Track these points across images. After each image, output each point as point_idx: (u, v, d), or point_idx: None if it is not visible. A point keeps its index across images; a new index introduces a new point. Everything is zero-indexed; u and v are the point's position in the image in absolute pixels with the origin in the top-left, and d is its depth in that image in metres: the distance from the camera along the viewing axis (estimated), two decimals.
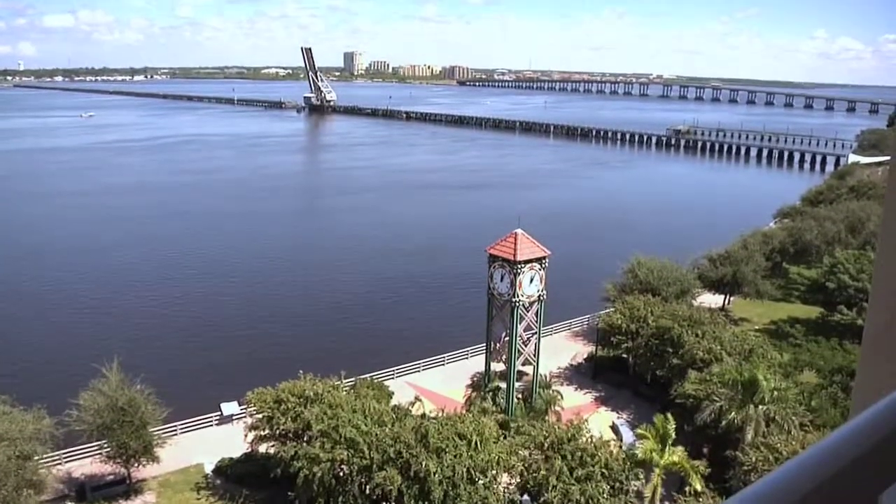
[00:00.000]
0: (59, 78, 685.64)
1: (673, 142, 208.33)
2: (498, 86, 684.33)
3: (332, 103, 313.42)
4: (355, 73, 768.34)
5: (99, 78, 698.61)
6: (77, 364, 43.58)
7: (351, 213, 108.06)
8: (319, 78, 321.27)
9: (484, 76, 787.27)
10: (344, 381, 39.39)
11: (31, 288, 69.57)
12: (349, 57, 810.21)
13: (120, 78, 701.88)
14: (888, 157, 2.40)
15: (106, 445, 35.42)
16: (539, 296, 39.84)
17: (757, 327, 57.75)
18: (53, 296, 66.99)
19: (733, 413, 35.18)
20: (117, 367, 35.47)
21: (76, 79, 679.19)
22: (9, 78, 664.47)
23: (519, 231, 38.89)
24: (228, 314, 63.11)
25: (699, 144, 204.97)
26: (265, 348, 54.48)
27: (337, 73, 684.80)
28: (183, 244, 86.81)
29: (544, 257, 39.29)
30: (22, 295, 67.23)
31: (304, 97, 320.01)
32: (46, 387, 41.22)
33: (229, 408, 42.30)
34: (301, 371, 37.69)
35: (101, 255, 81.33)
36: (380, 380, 44.13)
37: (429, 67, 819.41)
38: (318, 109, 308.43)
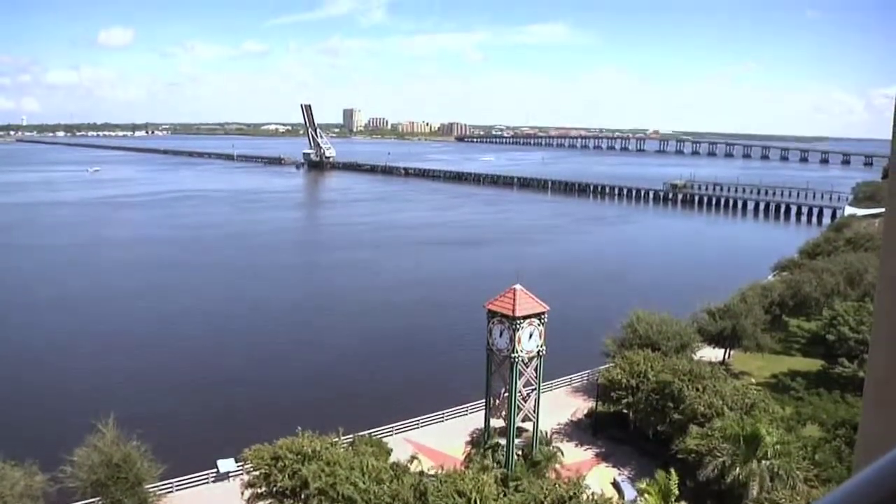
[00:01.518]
0: (62, 133, 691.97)
1: (670, 196, 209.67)
2: (496, 142, 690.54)
3: (331, 159, 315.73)
4: (354, 130, 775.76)
5: (100, 133, 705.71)
6: (72, 418, 43.08)
7: (349, 268, 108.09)
8: (319, 134, 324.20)
9: (482, 132, 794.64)
10: (342, 438, 38.94)
11: (24, 339, 69.32)
12: (348, 114, 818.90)
13: (121, 133, 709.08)
14: (884, 209, 2.41)
15: (100, 503, 34.88)
16: (538, 351, 39.65)
17: (758, 381, 57.33)
18: (47, 348, 66.67)
19: (737, 468, 34.77)
20: (113, 421, 35.11)
21: (78, 134, 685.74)
22: (12, 133, 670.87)
23: (518, 287, 38.87)
24: (225, 369, 62.69)
25: (696, 199, 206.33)
26: (262, 404, 53.98)
27: (336, 130, 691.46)
28: (180, 298, 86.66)
29: (543, 313, 39.21)
30: (14, 346, 66.90)
31: (304, 153, 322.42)
32: (39, 441, 40.69)
33: (226, 465, 41.74)
34: (299, 428, 37.31)
35: (99, 308, 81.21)
36: (378, 436, 43.64)
37: (427, 124, 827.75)
38: (317, 165, 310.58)
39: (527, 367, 39.87)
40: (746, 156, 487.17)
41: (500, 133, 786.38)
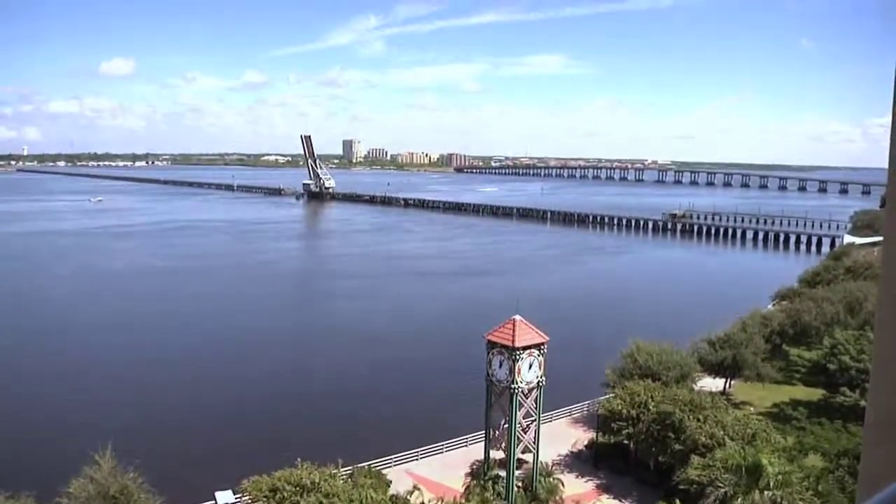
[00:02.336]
0: (62, 163, 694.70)
1: (669, 226, 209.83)
2: (495, 172, 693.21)
3: (330, 190, 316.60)
4: (354, 161, 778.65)
5: (101, 163, 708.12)
6: (68, 449, 42.75)
7: (348, 299, 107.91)
8: (318, 165, 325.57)
9: (481, 163, 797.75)
10: (341, 470, 38.65)
11: (20, 368, 69.04)
12: (348, 144, 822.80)
13: (122, 163, 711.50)
14: (882, 238, 2.41)
15: None
16: (538, 382, 39.54)
17: (759, 410, 57.04)
18: (42, 377, 66.35)
19: (739, 499, 34.47)
20: (110, 452, 34.83)
21: (79, 164, 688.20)
22: (13, 162, 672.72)
23: (517, 317, 38.85)
24: (223, 399, 62.37)
25: (695, 228, 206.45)
26: (261, 435, 53.64)
27: (336, 161, 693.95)
28: (179, 328, 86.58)
29: (543, 343, 39.15)
30: (9, 375, 66.57)
31: (303, 184, 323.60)
32: (33, 472, 40.36)
33: (224, 497, 41.36)
34: (298, 459, 37.06)
35: (96, 337, 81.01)
36: (377, 468, 43.29)
37: (426, 155, 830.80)
38: (316, 196, 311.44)
39: (527, 398, 39.73)
40: (745, 185, 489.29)
41: (499, 164, 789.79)
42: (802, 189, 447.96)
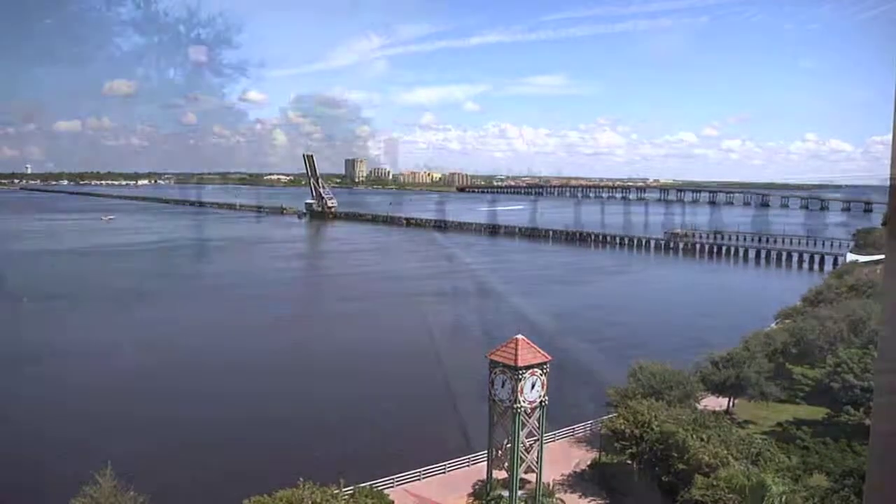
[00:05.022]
0: (65, 182, 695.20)
1: (671, 245, 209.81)
2: (497, 192, 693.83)
3: (333, 209, 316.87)
4: (356, 180, 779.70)
5: (104, 182, 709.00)
6: (66, 467, 42.56)
7: (349, 318, 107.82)
8: (321, 185, 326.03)
9: (483, 182, 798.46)
10: (342, 490, 38.44)
11: (17, 388, 68.91)
12: (350, 164, 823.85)
13: (124, 182, 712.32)
14: (884, 255, 2.40)
15: None
16: (541, 401, 39.42)
17: (763, 430, 56.82)
18: (40, 397, 66.14)
19: None
20: (110, 472, 34.68)
21: (82, 182, 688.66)
22: (16, 181, 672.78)
23: (520, 336, 38.82)
24: (224, 419, 62.09)
25: (697, 247, 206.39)
26: (261, 454, 53.40)
27: (338, 180, 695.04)
28: (177, 346, 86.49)
29: (546, 363, 39.09)
30: (8, 396, 66.44)
31: (306, 203, 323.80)
32: (32, 491, 40.19)
33: None
34: (300, 479, 36.88)
35: (95, 358, 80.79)
36: (379, 488, 43.07)
37: (429, 174, 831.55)
38: (319, 215, 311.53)
39: (529, 418, 39.60)
40: (747, 204, 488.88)
41: (501, 183, 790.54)
42: (805, 207, 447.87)
